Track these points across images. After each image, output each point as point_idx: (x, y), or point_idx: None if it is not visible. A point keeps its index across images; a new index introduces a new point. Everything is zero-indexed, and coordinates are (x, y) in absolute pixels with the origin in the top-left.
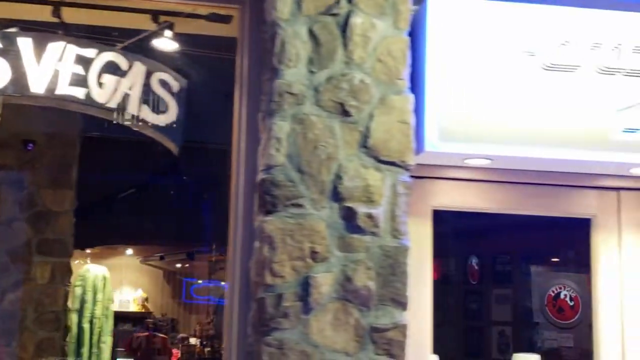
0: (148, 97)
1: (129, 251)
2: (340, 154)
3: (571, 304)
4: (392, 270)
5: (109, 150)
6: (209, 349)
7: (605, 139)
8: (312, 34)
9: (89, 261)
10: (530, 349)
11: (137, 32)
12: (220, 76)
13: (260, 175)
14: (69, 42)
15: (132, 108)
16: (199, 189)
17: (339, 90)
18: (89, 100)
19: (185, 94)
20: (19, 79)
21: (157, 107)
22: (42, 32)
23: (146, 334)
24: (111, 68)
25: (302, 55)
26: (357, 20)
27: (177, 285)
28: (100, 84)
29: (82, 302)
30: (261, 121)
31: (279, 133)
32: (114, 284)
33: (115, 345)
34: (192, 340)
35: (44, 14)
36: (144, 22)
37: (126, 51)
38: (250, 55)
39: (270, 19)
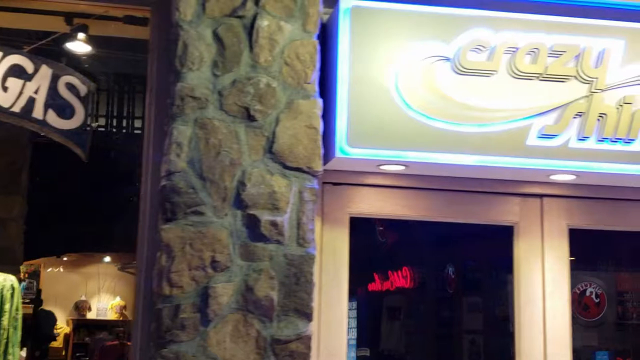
0: (54, 101)
1: (107, 258)
2: (244, 160)
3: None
4: (297, 279)
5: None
6: None
7: (521, 144)
8: (216, 36)
9: (61, 269)
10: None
11: (51, 35)
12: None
13: (162, 182)
14: None
15: (38, 112)
16: None
17: (244, 94)
18: None
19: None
20: None
21: (64, 111)
22: None
23: (116, 342)
24: (16, 71)
25: (206, 58)
26: (263, 23)
27: None
28: (4, 88)
29: None
30: (166, 126)
31: (179, 138)
32: (91, 291)
33: (90, 354)
34: None
35: None
36: (57, 25)
37: (32, 54)
38: (159, 59)
39: (174, 21)
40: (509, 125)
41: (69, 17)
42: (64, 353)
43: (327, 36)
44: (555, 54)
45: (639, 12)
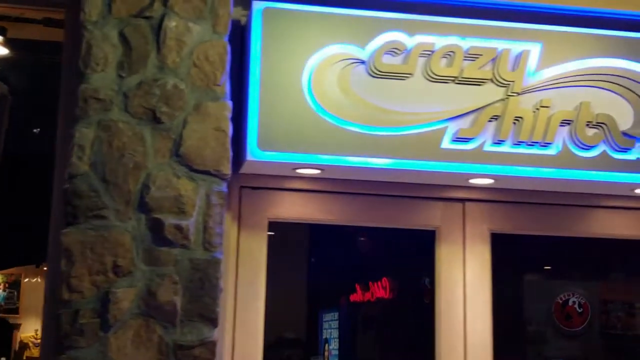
0: None
1: None
2: (149, 163)
3: None
4: (202, 284)
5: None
6: None
7: (436, 148)
8: (123, 37)
9: (39, 279)
10: None
11: None
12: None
13: (64, 185)
14: None
15: None
16: None
17: (150, 95)
18: None
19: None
20: None
21: None
22: None
23: None
24: None
25: (111, 59)
26: (171, 24)
27: None
28: None
29: None
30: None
31: (81, 140)
32: None
33: None
34: None
35: None
36: None
37: None
38: (71, 61)
39: (80, 22)
40: (423, 128)
41: None
42: None
43: (244, 38)
44: (471, 57)
45: (555, 15)
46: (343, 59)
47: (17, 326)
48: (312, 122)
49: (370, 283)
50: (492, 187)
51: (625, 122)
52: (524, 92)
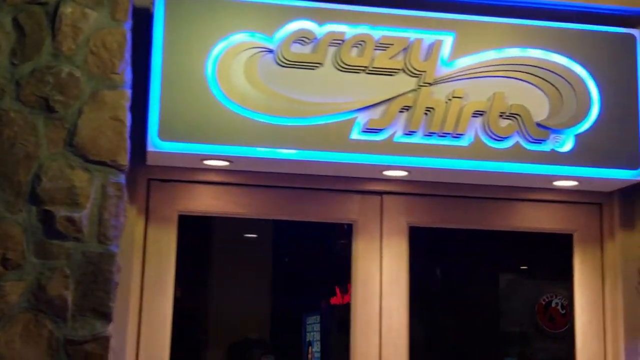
0: None
1: None
2: (42, 153)
3: None
4: (95, 278)
5: None
6: None
7: (345, 139)
8: (17, 23)
9: None
10: None
11: None
12: None
13: None
14: None
15: None
16: None
17: (43, 84)
18: None
19: None
20: None
21: None
22: None
23: None
24: None
25: (4, 47)
26: (67, 10)
27: None
28: None
29: None
30: None
31: None
32: None
33: None
34: None
35: None
36: None
37: None
38: None
39: None
40: (332, 119)
41: None
42: None
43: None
44: (383, 46)
45: (469, 5)
46: (250, 48)
47: None
48: (216, 113)
49: (349, 286)
50: (411, 180)
51: (540, 113)
52: (436, 83)
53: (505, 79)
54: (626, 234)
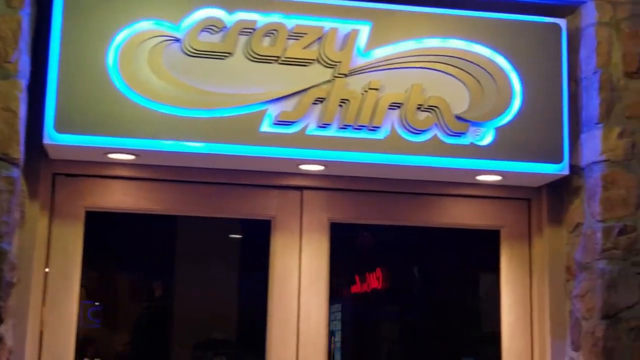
0: None
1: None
2: None
3: None
4: None
5: None
6: None
7: (254, 132)
8: None
9: None
10: None
11: None
12: None
13: None
14: None
15: None
16: None
17: None
18: None
19: None
20: None
21: None
22: None
23: None
24: None
25: None
26: None
27: None
28: None
29: None
30: None
31: None
32: None
33: None
34: None
35: None
36: None
37: None
38: None
39: None
40: (242, 111)
41: None
42: None
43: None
44: (296, 36)
45: None
46: (154, 36)
47: None
48: (118, 104)
49: (367, 274)
50: (332, 175)
51: (460, 105)
52: (351, 74)
53: (424, 70)
54: (554, 230)
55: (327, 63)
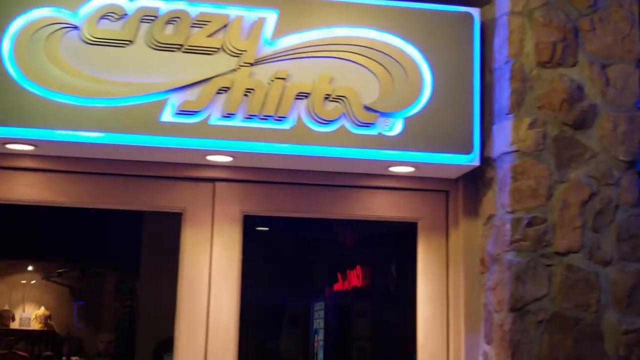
0: None
1: (30, 267)
2: None
3: None
4: None
5: None
6: None
7: (154, 121)
8: None
9: None
10: None
11: None
12: None
13: None
14: None
15: None
16: None
17: None
18: None
19: None
20: None
21: None
22: None
23: (4, 352)
24: None
25: None
26: None
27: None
28: None
29: None
30: None
31: None
32: (16, 301)
33: None
34: None
35: None
36: None
37: None
38: None
39: None
40: (142, 100)
41: None
42: None
43: None
44: (200, 24)
45: None
46: (51, 24)
47: None
48: (15, 94)
49: (348, 271)
50: (245, 167)
51: (369, 95)
52: (257, 63)
53: (333, 59)
54: (469, 222)
55: (232, 52)
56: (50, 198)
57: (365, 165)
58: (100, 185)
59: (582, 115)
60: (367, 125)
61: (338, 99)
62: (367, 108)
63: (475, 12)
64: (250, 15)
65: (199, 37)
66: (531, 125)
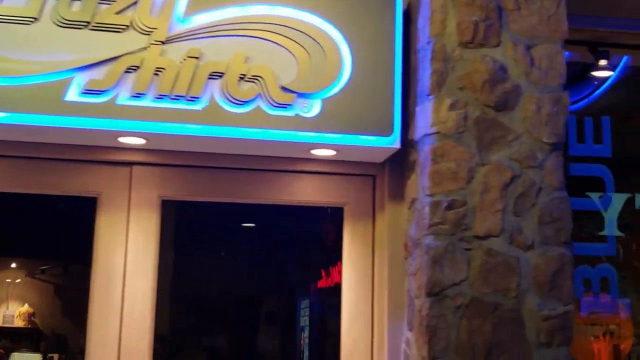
0: None
1: (13, 264)
2: None
3: None
4: None
5: None
6: None
7: (58, 101)
8: None
9: None
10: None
11: None
12: None
13: None
14: None
15: None
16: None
17: None
18: None
19: None
20: None
21: None
22: None
23: None
24: None
25: None
26: None
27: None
28: None
29: None
30: None
31: None
32: None
33: None
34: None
35: None
36: None
37: None
38: None
39: None
40: (45, 78)
41: None
42: None
43: None
44: (108, 1)
45: None
46: None
47: None
48: None
49: (330, 268)
50: (164, 150)
51: (286, 75)
52: (169, 41)
53: (249, 38)
54: (395, 206)
55: (141, 30)
56: None
57: (284, 147)
58: (10, 169)
59: (505, 97)
60: (284, 106)
61: (254, 79)
62: (284, 88)
63: None
64: None
65: (107, 14)
66: (452, 107)
